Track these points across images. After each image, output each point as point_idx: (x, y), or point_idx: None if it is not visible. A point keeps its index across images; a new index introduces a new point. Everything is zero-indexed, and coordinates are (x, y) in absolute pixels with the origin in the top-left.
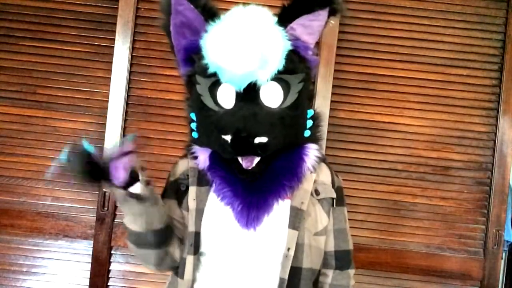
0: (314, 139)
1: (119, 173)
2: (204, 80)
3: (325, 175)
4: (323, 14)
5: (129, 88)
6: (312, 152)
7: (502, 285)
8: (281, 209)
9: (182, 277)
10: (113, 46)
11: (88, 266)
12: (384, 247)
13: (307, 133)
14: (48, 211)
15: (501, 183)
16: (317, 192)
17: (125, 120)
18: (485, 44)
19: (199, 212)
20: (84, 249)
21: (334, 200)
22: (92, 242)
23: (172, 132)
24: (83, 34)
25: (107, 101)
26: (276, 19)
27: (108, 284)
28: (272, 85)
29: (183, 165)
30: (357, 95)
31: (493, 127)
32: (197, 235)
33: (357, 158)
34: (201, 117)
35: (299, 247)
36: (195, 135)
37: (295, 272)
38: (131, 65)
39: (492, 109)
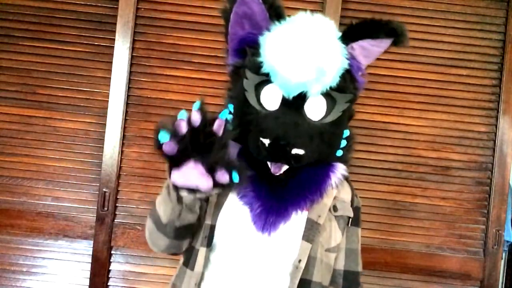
0: (345, 160)
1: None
2: (253, 76)
3: (346, 193)
4: (386, 42)
5: (129, 88)
6: (339, 171)
7: (502, 285)
8: (297, 220)
9: (192, 268)
10: (113, 46)
11: (88, 266)
12: (384, 247)
13: (339, 153)
14: (48, 211)
15: (501, 183)
16: (335, 209)
17: (125, 120)
18: (485, 44)
19: (218, 206)
20: (84, 249)
21: (350, 220)
22: (92, 242)
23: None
24: (83, 34)
25: (107, 101)
26: (340, 34)
27: (108, 284)
28: (319, 99)
29: None
30: None
31: (493, 127)
32: (212, 228)
33: (357, 158)
34: (240, 112)
35: (310, 260)
36: (229, 127)
37: (304, 284)
38: (131, 65)
39: (492, 109)
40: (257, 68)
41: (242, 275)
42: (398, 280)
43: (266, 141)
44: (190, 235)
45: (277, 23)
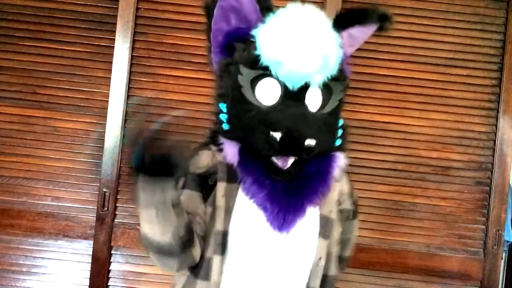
0: (342, 149)
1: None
2: (249, 71)
3: (344, 185)
4: (372, 28)
5: (129, 88)
6: (341, 161)
7: (502, 285)
8: (311, 216)
9: (205, 278)
10: (113, 46)
11: (88, 266)
12: (384, 247)
13: (338, 142)
14: (48, 211)
15: (501, 183)
16: (339, 202)
17: (125, 120)
18: (485, 44)
19: (228, 210)
20: (84, 249)
21: (352, 212)
22: (92, 242)
23: (172, 132)
24: (83, 34)
25: (107, 101)
26: (331, 23)
27: (108, 284)
28: (317, 89)
29: (207, 158)
30: (357, 95)
31: (493, 127)
32: (225, 234)
33: (357, 158)
34: (238, 109)
35: (328, 256)
36: (226, 126)
37: (324, 280)
38: (131, 65)
39: (492, 109)
40: (253, 62)
41: (260, 278)
42: (398, 280)
43: (278, 135)
44: (194, 238)
45: (271, 14)
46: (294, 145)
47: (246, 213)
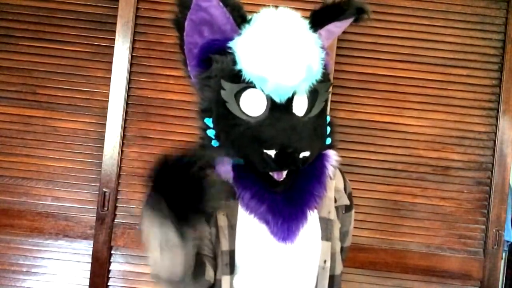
0: (333, 146)
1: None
2: (232, 85)
3: (339, 181)
4: (349, 21)
5: (129, 88)
6: (333, 159)
7: (502, 285)
8: (311, 221)
9: None
10: (113, 46)
11: (88, 266)
12: (384, 247)
13: (328, 141)
14: (48, 211)
15: (501, 183)
16: (335, 200)
17: (125, 120)
18: (485, 44)
19: (232, 228)
20: (84, 249)
21: (345, 207)
22: (92, 242)
23: (172, 132)
24: (83, 34)
25: (107, 101)
26: (308, 24)
27: (108, 284)
28: (304, 95)
29: None
30: (357, 95)
31: (493, 127)
32: (232, 253)
33: (357, 158)
34: (225, 125)
35: (332, 256)
36: (215, 144)
37: (331, 281)
38: (131, 65)
39: (492, 109)
40: (234, 76)
41: None
42: (398, 280)
43: (272, 152)
44: (204, 262)
45: (246, 25)
46: (290, 160)
47: (250, 229)
